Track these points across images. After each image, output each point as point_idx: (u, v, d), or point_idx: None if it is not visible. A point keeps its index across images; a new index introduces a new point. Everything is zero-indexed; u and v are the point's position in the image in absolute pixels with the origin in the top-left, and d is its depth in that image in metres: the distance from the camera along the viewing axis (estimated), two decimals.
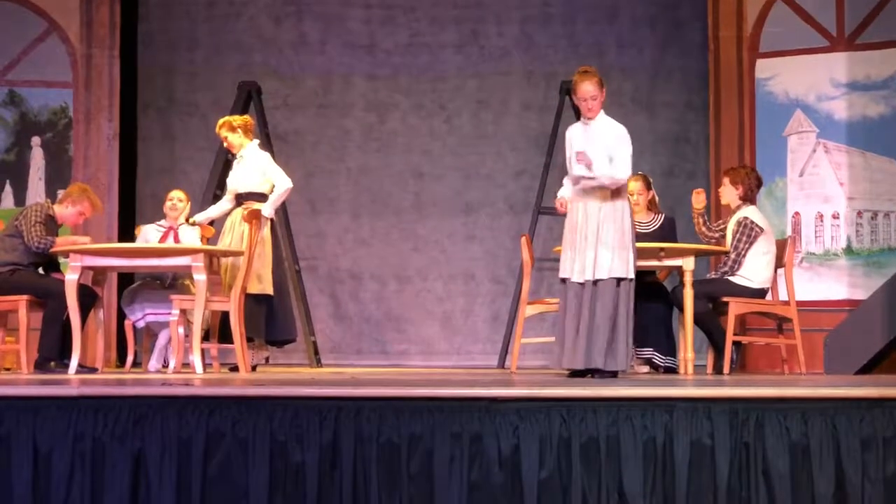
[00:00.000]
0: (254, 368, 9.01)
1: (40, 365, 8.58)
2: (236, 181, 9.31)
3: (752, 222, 8.89)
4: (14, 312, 8.72)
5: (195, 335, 8.34)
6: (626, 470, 5.07)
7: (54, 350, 8.59)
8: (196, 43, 12.61)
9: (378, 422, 5.09)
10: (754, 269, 8.87)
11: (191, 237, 9.51)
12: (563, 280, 7.53)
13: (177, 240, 9.49)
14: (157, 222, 9.75)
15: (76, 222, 9.21)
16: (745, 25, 11.01)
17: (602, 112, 7.51)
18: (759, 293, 8.93)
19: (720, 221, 9.30)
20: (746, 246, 8.84)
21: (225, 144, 9.49)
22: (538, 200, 12.03)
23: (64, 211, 8.98)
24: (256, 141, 9.52)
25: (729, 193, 9.12)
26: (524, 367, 10.31)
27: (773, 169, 10.80)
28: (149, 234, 9.62)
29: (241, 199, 9.27)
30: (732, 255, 8.87)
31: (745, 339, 9.50)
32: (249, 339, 8.87)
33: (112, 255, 8.56)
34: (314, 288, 12.34)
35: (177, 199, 9.71)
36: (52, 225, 8.85)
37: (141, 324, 9.46)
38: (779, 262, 9.11)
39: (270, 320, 9.13)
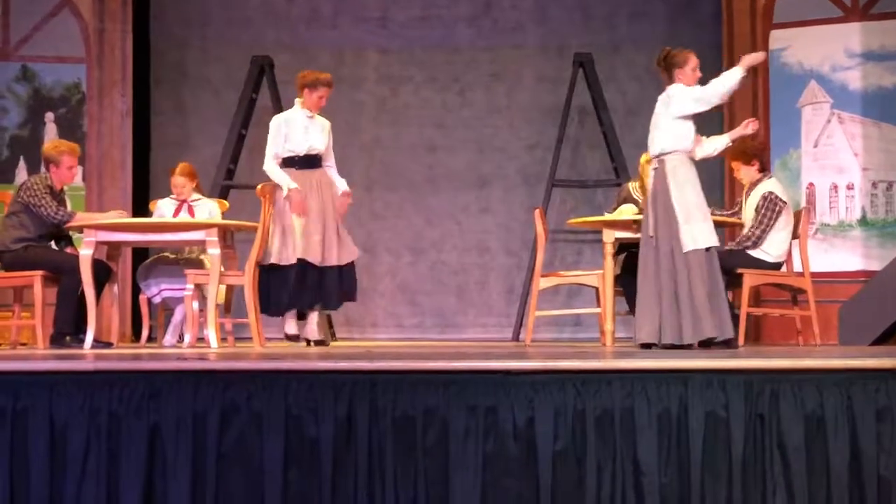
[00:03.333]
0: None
1: (55, 340, 8.59)
2: (317, 140, 8.99)
3: (777, 197, 8.84)
4: (29, 288, 8.74)
5: (210, 309, 8.35)
6: (640, 442, 5.07)
7: (69, 325, 8.60)
8: (208, 17, 12.60)
9: (393, 395, 5.10)
10: (774, 243, 8.84)
11: (205, 211, 9.48)
12: (706, 250, 7.66)
13: (191, 213, 9.46)
14: (171, 196, 9.71)
15: (71, 177, 9.13)
16: None
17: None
18: (776, 266, 8.91)
19: (736, 207, 9.29)
20: (772, 221, 8.80)
21: (323, 101, 9.04)
22: (552, 173, 12.02)
23: (56, 174, 8.91)
24: None
25: (746, 173, 9.09)
26: (538, 339, 10.32)
27: (788, 140, 10.78)
28: (163, 209, 9.59)
29: (316, 159, 9.04)
30: (757, 232, 8.79)
31: (759, 311, 9.49)
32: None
33: (126, 230, 8.57)
34: None
35: (180, 185, 9.54)
36: (55, 195, 8.82)
37: (157, 299, 9.46)
38: (793, 234, 9.09)
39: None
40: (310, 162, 8.95)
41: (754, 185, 9.03)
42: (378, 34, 12.69)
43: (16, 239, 8.65)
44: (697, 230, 7.58)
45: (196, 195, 9.57)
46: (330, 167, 9.12)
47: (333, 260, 8.81)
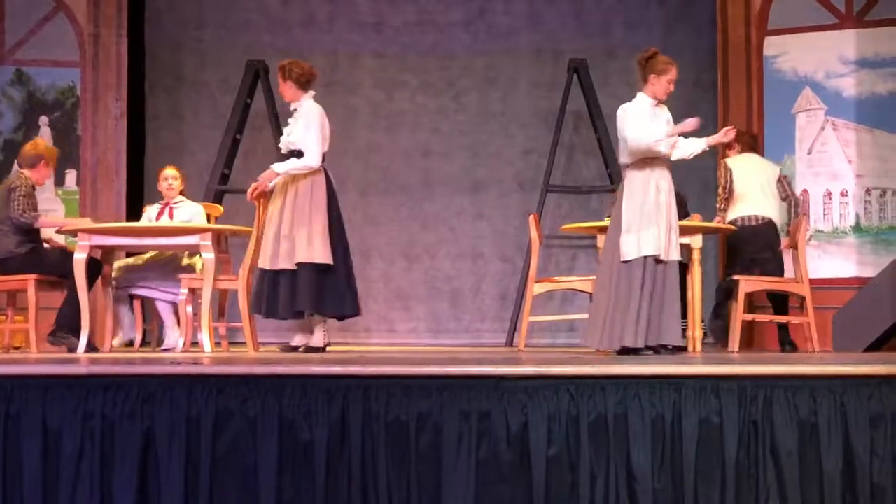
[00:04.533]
0: (322, 349, 8.66)
1: (56, 334, 8.59)
2: (286, 134, 8.61)
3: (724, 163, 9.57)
4: (22, 292, 8.74)
5: (203, 313, 8.34)
6: (634, 448, 5.08)
7: (74, 321, 8.54)
8: (204, 21, 12.59)
9: (386, 400, 5.10)
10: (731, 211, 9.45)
11: (186, 213, 9.39)
12: (646, 258, 7.49)
13: (171, 216, 9.37)
14: (160, 201, 9.62)
15: (47, 177, 9.14)
16: (754, 2, 10.99)
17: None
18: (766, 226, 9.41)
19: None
20: (722, 181, 9.46)
21: (280, 89, 8.74)
22: (546, 178, 12.03)
23: (36, 174, 8.92)
24: (312, 93, 8.74)
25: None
26: (532, 345, 10.32)
27: (782, 146, 10.79)
28: (150, 213, 9.54)
29: (290, 156, 8.55)
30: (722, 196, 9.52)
31: (758, 318, 9.51)
32: (300, 314, 8.56)
33: (120, 234, 8.57)
34: None
35: (171, 177, 9.44)
36: (34, 195, 8.86)
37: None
38: (790, 241, 9.21)
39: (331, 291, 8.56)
40: (286, 158, 8.61)
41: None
42: (373, 39, 12.69)
43: (18, 243, 8.64)
44: (643, 238, 7.50)
45: (179, 197, 9.50)
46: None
47: (281, 264, 8.39)
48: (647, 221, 7.49)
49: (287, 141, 8.58)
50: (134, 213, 10.93)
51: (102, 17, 11.24)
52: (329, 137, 8.65)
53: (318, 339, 8.62)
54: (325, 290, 8.50)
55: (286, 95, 8.68)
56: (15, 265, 8.66)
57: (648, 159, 7.61)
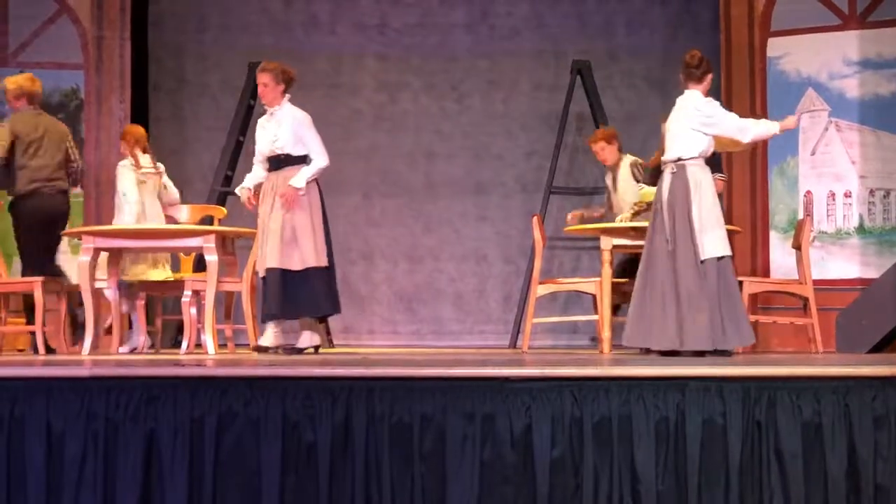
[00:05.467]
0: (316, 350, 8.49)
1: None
2: (269, 139, 8.41)
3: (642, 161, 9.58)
4: (15, 294, 8.76)
5: (207, 315, 8.34)
6: (638, 449, 5.07)
7: None
8: (206, 24, 12.60)
9: (390, 402, 5.10)
10: None
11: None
12: (726, 258, 7.61)
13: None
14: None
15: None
16: (757, 3, 10.99)
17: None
18: None
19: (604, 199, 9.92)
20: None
21: (263, 89, 8.48)
22: (549, 180, 12.03)
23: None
24: (288, 96, 8.54)
25: (611, 153, 9.79)
26: (536, 346, 10.31)
27: (785, 147, 10.77)
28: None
29: (277, 160, 8.39)
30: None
31: (762, 318, 9.51)
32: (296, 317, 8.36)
33: (124, 236, 8.57)
34: None
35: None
36: None
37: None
38: (794, 243, 9.19)
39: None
40: (272, 163, 8.42)
41: (617, 163, 9.74)
42: (376, 41, 12.69)
43: (62, 189, 8.82)
44: (716, 238, 7.52)
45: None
46: (299, 166, 8.36)
47: (274, 263, 8.16)
48: (718, 221, 7.56)
49: (274, 146, 8.38)
50: None
51: (106, 20, 11.25)
52: None
53: (315, 338, 8.53)
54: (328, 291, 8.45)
55: (271, 97, 8.45)
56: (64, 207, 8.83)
57: (706, 156, 7.69)
